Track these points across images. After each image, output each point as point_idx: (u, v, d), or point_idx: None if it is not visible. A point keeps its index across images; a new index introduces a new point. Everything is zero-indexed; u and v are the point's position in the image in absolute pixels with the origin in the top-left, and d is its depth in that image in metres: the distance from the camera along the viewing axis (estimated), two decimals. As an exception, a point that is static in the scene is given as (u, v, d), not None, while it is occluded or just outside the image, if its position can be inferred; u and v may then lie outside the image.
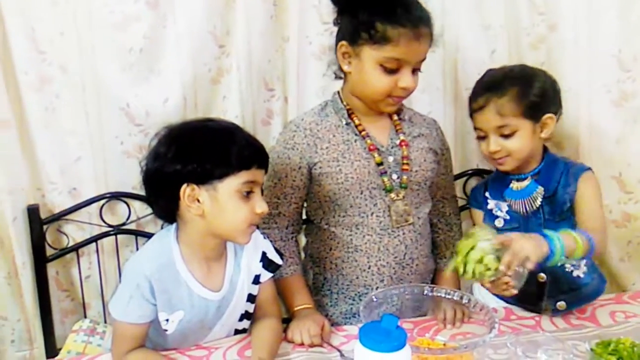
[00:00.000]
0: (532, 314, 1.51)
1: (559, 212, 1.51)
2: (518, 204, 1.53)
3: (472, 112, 1.54)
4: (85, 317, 1.85)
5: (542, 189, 1.52)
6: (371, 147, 1.51)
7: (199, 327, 1.33)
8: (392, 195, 1.51)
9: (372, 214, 1.51)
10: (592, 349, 1.21)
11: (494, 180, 1.62)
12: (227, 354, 1.34)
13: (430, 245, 1.65)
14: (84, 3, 1.65)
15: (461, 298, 1.38)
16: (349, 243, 1.53)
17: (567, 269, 1.52)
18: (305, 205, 1.62)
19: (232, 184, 1.22)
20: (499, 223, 1.55)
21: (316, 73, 1.84)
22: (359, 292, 1.56)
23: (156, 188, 1.28)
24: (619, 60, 1.77)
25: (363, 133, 1.52)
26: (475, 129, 1.55)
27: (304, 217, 1.66)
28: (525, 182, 1.53)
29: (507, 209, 1.55)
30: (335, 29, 1.52)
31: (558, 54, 1.76)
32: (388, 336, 1.05)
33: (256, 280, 1.38)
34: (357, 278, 1.55)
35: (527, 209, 1.52)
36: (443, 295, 1.40)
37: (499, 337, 1.29)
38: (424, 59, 1.46)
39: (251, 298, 1.38)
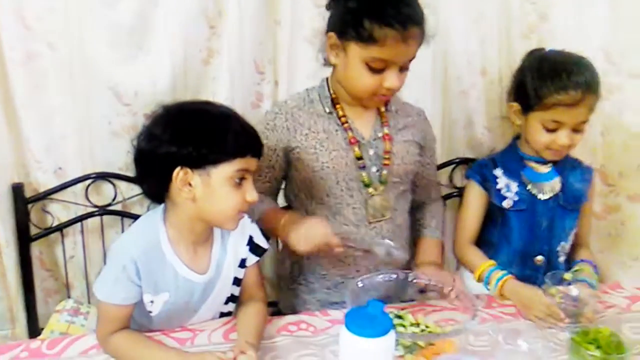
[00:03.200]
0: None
1: (574, 202, 1.60)
2: (539, 186, 1.58)
3: (557, 105, 1.47)
4: (69, 297, 1.85)
5: (560, 177, 1.58)
6: (352, 140, 1.49)
7: (184, 309, 1.33)
8: (370, 189, 1.50)
9: (348, 205, 1.50)
10: (572, 338, 1.24)
11: (505, 160, 1.64)
12: (212, 336, 1.35)
13: (408, 237, 1.63)
14: (73, -21, 1.63)
15: (443, 287, 1.40)
16: None
17: (559, 255, 1.62)
18: (284, 190, 1.62)
19: (226, 170, 1.21)
20: (507, 204, 1.59)
21: (307, 57, 1.82)
22: (335, 282, 1.56)
23: (148, 168, 1.26)
24: (606, 53, 1.79)
25: (345, 125, 1.50)
26: (551, 121, 1.50)
27: (284, 204, 1.66)
28: (547, 168, 1.59)
29: (517, 189, 1.59)
30: (327, 13, 1.48)
31: (548, 44, 1.76)
32: (373, 321, 1.06)
33: (242, 263, 1.38)
34: (334, 267, 1.55)
35: (546, 192, 1.57)
36: (427, 282, 1.42)
37: (480, 325, 1.30)
38: (412, 58, 1.43)
39: (237, 281, 1.39)
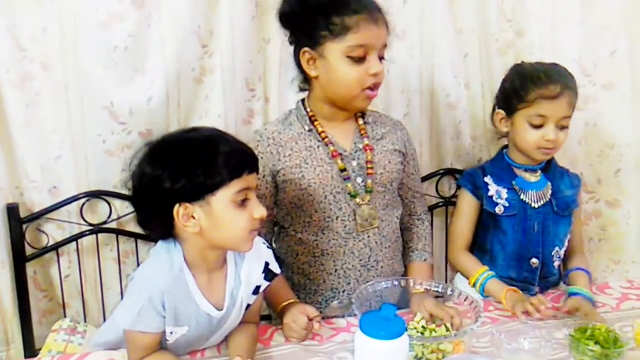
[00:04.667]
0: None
1: (565, 208, 1.66)
2: (529, 195, 1.64)
3: (539, 98, 1.56)
4: (65, 317, 1.83)
5: (550, 184, 1.65)
6: (334, 154, 1.53)
7: (198, 339, 1.32)
8: (358, 200, 1.54)
9: (337, 218, 1.54)
10: (571, 335, 1.29)
11: (496, 168, 1.71)
12: (221, 347, 1.37)
13: (399, 248, 1.67)
14: (68, 1, 1.65)
15: (446, 291, 1.45)
16: (315, 248, 1.56)
17: (554, 258, 1.68)
18: (275, 212, 1.65)
19: (226, 195, 1.18)
20: (499, 210, 1.65)
21: (297, 74, 1.88)
22: (326, 297, 1.59)
23: (147, 210, 1.24)
24: (580, 66, 1.88)
25: (326, 140, 1.54)
26: (536, 116, 1.57)
27: (274, 224, 1.68)
28: (537, 176, 1.66)
29: (507, 196, 1.65)
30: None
31: (525, 59, 1.84)
32: (388, 324, 1.10)
33: (256, 291, 1.35)
34: (325, 282, 1.58)
35: (538, 201, 1.64)
36: (429, 288, 1.46)
37: (481, 327, 1.35)
38: (386, 45, 1.49)
39: (248, 307, 1.36)
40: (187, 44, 1.76)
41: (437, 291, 1.46)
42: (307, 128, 1.55)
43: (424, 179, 1.96)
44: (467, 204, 1.71)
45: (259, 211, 1.22)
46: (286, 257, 1.62)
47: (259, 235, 1.56)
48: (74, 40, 1.68)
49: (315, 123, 1.55)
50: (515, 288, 1.56)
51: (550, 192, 1.65)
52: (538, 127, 1.57)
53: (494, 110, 1.72)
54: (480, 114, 2.02)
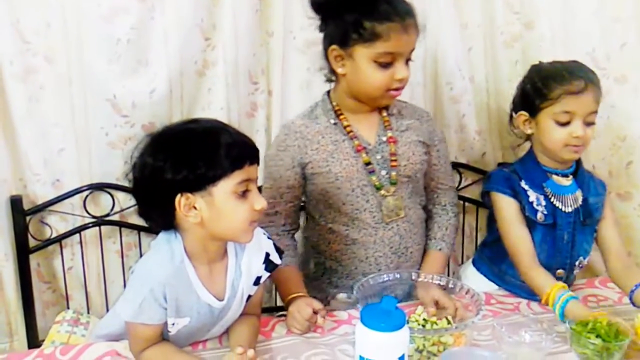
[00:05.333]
0: (512, 299, 1.60)
1: (588, 217, 1.58)
2: (562, 199, 1.56)
3: (564, 94, 1.50)
4: (68, 308, 1.84)
5: (580, 190, 1.58)
6: (358, 148, 1.55)
7: (199, 330, 1.33)
8: (383, 192, 1.56)
9: (364, 210, 1.56)
10: (572, 328, 1.29)
11: (528, 172, 1.60)
12: (223, 339, 1.38)
13: (424, 232, 1.69)
14: (71, -6, 1.66)
15: (447, 283, 1.45)
16: (346, 237, 1.59)
17: (576, 269, 1.62)
18: (304, 203, 1.67)
19: (227, 185, 1.18)
20: (540, 218, 1.55)
21: (300, 67, 1.88)
22: (357, 281, 1.59)
23: (148, 201, 1.24)
24: (593, 59, 1.86)
25: (351, 134, 1.56)
26: (562, 113, 1.51)
27: (305, 214, 1.71)
28: (569, 180, 1.59)
29: (544, 203, 1.55)
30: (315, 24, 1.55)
31: (534, 52, 1.84)
32: (388, 316, 1.10)
33: (257, 281, 1.36)
34: (356, 268, 1.61)
35: (569, 206, 1.56)
36: (431, 280, 1.46)
37: (482, 320, 1.35)
38: (414, 49, 1.51)
39: (249, 298, 1.37)
40: (189, 37, 1.77)
41: (439, 284, 1.46)
42: (332, 121, 1.57)
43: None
44: (514, 210, 1.56)
45: (260, 202, 1.23)
46: (318, 245, 1.65)
47: (284, 228, 1.61)
48: (77, 33, 1.68)
49: (341, 117, 1.57)
50: (602, 312, 1.37)
51: (581, 197, 1.58)
52: (564, 124, 1.50)
53: (511, 117, 1.65)
54: (484, 107, 2.01)
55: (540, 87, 1.54)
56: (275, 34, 1.85)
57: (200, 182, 1.18)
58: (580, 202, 1.57)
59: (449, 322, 1.37)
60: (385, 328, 1.09)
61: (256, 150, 1.25)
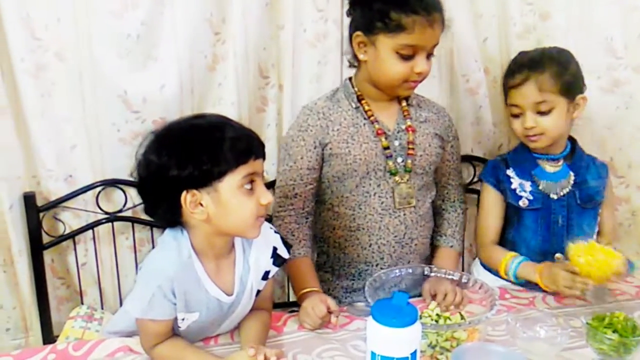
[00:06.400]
0: (527, 294, 1.57)
1: (588, 200, 1.60)
2: (549, 185, 1.59)
3: (510, 88, 1.57)
4: (82, 304, 1.85)
5: (573, 174, 1.58)
6: (379, 132, 1.57)
7: (209, 325, 1.33)
8: (397, 178, 1.57)
9: (375, 194, 1.57)
10: (588, 323, 1.27)
11: (517, 159, 1.65)
12: (219, 337, 1.38)
13: (431, 228, 1.70)
14: (81, -11, 1.65)
15: (460, 278, 1.43)
16: (351, 222, 1.59)
17: None
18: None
19: (233, 181, 1.18)
20: (523, 203, 1.60)
21: (310, 60, 1.86)
22: (359, 269, 1.63)
23: (154, 198, 1.23)
24: (610, 48, 1.83)
25: (372, 118, 1.57)
26: (511, 106, 1.58)
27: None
28: (558, 165, 1.60)
29: (530, 189, 1.60)
30: (342, 19, 1.61)
31: (550, 42, 1.80)
32: (399, 312, 1.09)
33: (265, 276, 1.35)
34: (359, 256, 1.61)
35: (558, 191, 1.59)
36: (443, 275, 1.45)
37: (496, 315, 1.33)
38: (437, 44, 1.51)
39: (259, 293, 1.37)
40: (199, 31, 1.76)
41: (452, 278, 1.44)
42: (354, 105, 1.59)
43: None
44: (491, 199, 1.66)
45: (266, 197, 1.22)
46: (322, 232, 1.67)
47: (302, 212, 1.61)
48: (87, 29, 1.68)
49: (362, 101, 1.59)
50: (548, 262, 1.51)
51: (572, 182, 1.59)
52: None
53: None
54: (500, 98, 1.97)
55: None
56: (285, 27, 1.83)
57: (205, 178, 1.17)
58: (570, 187, 1.59)
59: (462, 318, 1.35)
60: (397, 324, 1.07)
61: (261, 144, 1.24)
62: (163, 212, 1.24)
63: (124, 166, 1.79)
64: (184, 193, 1.17)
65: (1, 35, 1.64)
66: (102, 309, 1.83)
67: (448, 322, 1.34)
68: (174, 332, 1.29)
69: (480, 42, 1.93)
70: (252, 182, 1.20)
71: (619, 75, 1.85)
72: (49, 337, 1.82)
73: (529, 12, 1.91)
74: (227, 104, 1.83)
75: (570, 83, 1.54)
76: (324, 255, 1.68)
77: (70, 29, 1.67)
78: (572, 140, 1.65)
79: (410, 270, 1.46)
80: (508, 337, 1.32)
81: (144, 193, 1.26)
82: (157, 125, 1.72)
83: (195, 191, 1.17)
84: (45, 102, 1.72)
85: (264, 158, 1.26)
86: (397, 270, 1.44)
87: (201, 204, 1.19)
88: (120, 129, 1.78)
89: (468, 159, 2.02)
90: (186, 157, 1.16)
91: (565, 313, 1.39)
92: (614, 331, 1.24)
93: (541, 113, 1.54)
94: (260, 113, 1.91)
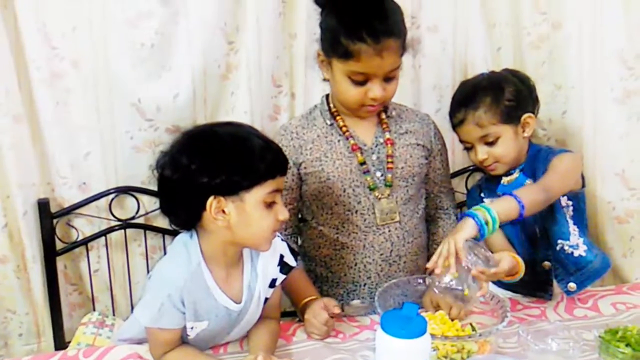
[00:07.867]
0: (538, 304, 1.56)
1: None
2: None
3: (454, 127, 1.60)
4: (94, 310, 1.86)
5: (531, 180, 1.56)
6: (354, 147, 1.54)
7: (218, 333, 1.33)
8: (377, 193, 1.54)
9: (356, 212, 1.54)
10: (600, 336, 1.26)
11: (487, 181, 1.68)
12: (228, 345, 1.38)
13: (423, 244, 1.65)
14: (97, -1, 1.68)
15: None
16: (335, 241, 1.57)
17: (567, 252, 1.56)
18: (298, 206, 1.65)
19: (259, 194, 1.20)
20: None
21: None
22: (347, 289, 1.60)
23: (177, 199, 1.23)
24: (622, 58, 1.81)
25: (347, 133, 1.55)
26: (461, 141, 1.61)
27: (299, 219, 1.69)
28: (515, 176, 1.58)
29: None
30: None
31: (561, 52, 1.79)
32: (409, 323, 1.08)
33: (272, 283, 1.36)
34: (345, 275, 1.59)
35: None
36: (450, 286, 1.43)
37: (507, 327, 1.32)
38: (396, 69, 1.47)
39: (267, 301, 1.37)
40: (213, 40, 1.77)
41: (460, 289, 1.42)
42: (328, 122, 1.57)
43: (454, 175, 1.94)
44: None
45: (284, 213, 1.25)
46: (309, 250, 1.65)
47: (286, 233, 1.60)
48: (103, 38, 1.70)
49: (337, 117, 1.57)
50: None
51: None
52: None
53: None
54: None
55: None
56: (298, 36, 1.85)
57: (234, 188, 1.19)
58: None
59: (473, 329, 1.34)
60: (406, 335, 1.07)
61: (286, 162, 1.27)
62: (182, 213, 1.25)
63: (137, 173, 1.82)
64: (211, 198, 1.18)
65: (18, 43, 1.66)
66: (114, 315, 1.83)
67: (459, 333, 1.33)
68: (183, 340, 1.29)
69: (494, 51, 1.92)
70: (274, 198, 1.23)
71: (631, 86, 1.83)
72: (61, 342, 1.83)
73: (542, 22, 1.89)
74: (240, 112, 1.84)
75: (508, 109, 1.53)
76: (312, 274, 1.63)
77: (86, 38, 1.69)
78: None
79: (420, 281, 1.45)
80: (519, 350, 1.30)
81: (165, 191, 1.25)
82: (171, 133, 1.76)
83: (221, 198, 1.19)
84: (60, 110, 1.74)
85: (285, 175, 1.28)
86: (406, 280, 1.44)
87: (224, 212, 1.20)
88: (134, 137, 1.79)
89: (480, 168, 1.99)
90: (219, 165, 1.18)
91: (577, 326, 1.37)
92: (627, 345, 1.23)
93: (489, 144, 1.55)
94: (272, 121, 1.91)
